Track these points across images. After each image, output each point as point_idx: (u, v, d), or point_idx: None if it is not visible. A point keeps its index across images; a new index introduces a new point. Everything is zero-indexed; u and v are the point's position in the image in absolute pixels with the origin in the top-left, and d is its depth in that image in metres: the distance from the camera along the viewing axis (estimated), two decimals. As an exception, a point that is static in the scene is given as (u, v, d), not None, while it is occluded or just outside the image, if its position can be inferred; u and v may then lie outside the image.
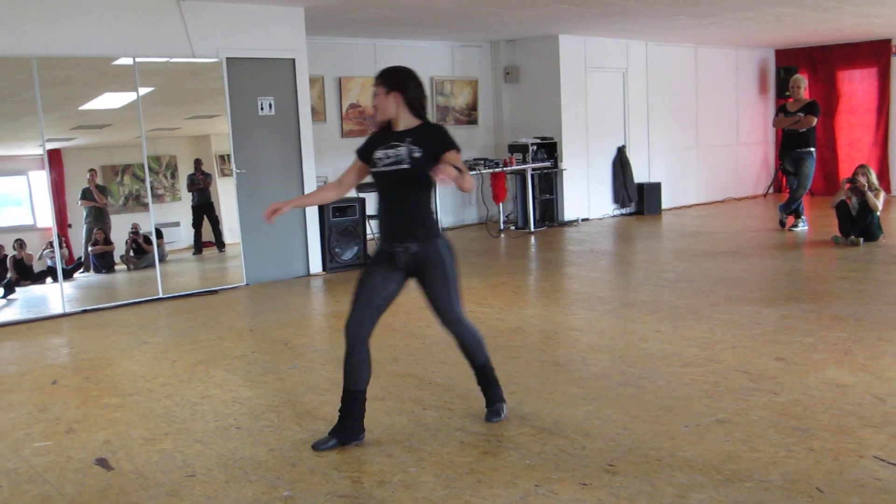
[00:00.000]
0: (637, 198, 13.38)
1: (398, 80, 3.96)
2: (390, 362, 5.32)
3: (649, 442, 3.73)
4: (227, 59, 8.48)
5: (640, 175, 13.53)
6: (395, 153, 3.84)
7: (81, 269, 9.57)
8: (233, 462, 3.77)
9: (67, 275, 8.69)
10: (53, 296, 8.47)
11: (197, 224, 10.19)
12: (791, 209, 10.61)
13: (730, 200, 14.99)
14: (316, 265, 9.23)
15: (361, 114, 11.81)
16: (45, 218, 9.84)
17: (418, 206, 3.94)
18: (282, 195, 8.97)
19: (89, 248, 9.74)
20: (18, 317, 7.73)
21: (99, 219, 10.03)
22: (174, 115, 9.37)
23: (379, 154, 3.90)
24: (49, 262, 9.96)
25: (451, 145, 3.87)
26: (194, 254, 10.19)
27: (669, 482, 3.29)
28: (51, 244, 10.10)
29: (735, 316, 6.08)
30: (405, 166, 3.82)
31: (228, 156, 9.69)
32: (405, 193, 3.92)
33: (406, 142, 3.84)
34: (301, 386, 4.93)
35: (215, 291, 8.46)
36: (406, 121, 3.94)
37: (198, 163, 10.06)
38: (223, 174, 10.13)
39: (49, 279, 9.85)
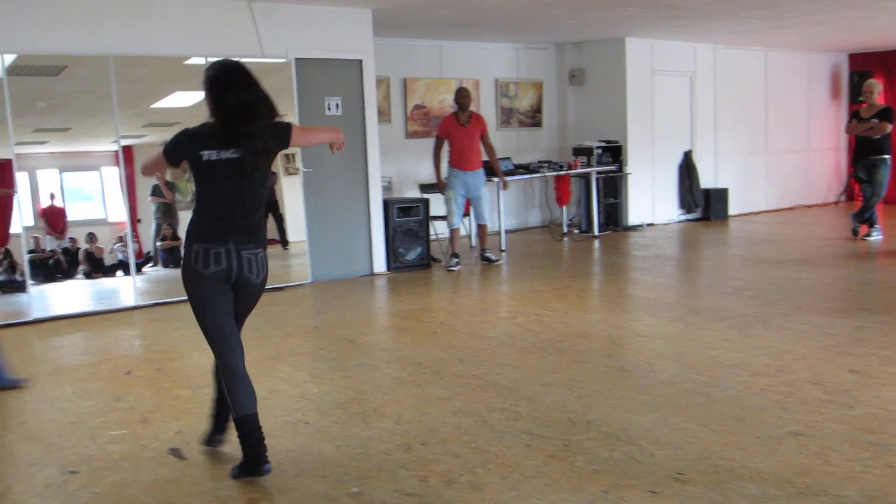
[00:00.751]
0: (703, 203, 13.18)
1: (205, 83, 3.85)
2: (455, 363, 5.33)
3: (720, 452, 3.67)
4: (296, 59, 8.58)
5: (706, 180, 13.33)
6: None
7: (150, 264, 9.78)
8: (301, 457, 3.83)
9: (137, 269, 8.88)
10: (125, 289, 8.65)
11: (263, 221, 10.32)
12: (864, 218, 10.35)
13: (799, 208, 14.68)
14: (380, 265, 9.28)
15: (426, 115, 11.85)
16: (117, 213, 10.08)
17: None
18: (347, 194, 9.08)
19: (158, 244, 9.95)
20: (92, 308, 7.92)
21: (167, 215, 10.25)
22: (242, 114, 9.52)
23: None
24: (120, 256, 10.19)
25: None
26: (259, 251, 10.31)
27: (741, 493, 3.24)
28: (121, 238, 10.34)
29: (806, 326, 5.96)
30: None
31: (293, 155, 9.79)
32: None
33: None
34: (366, 384, 4.97)
35: (281, 288, 8.56)
36: None
37: (264, 162, 10.19)
38: (288, 173, 10.24)
39: (120, 272, 10.10)
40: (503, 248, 10.67)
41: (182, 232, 10.37)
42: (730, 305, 6.74)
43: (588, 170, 11.53)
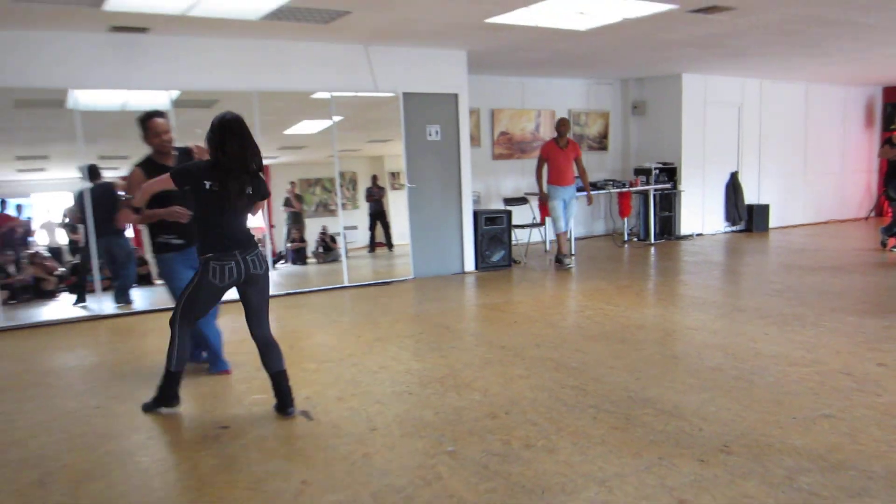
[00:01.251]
0: (747, 217, 12.85)
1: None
2: (533, 348, 5.35)
3: (760, 429, 3.61)
4: (404, 93, 8.69)
5: (750, 197, 12.99)
6: None
7: (282, 261, 10.06)
8: (406, 420, 3.90)
9: (272, 265, 9.13)
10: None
11: (372, 227, 10.52)
12: (893, 231, 9.95)
13: (833, 222, 14.17)
14: (469, 264, 9.35)
15: (509, 140, 11.87)
16: (255, 219, 10.39)
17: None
18: (443, 206, 9.16)
19: (287, 244, 10.22)
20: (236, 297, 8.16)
21: (296, 221, 10.52)
22: (357, 139, 9.68)
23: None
24: (259, 254, 10.52)
25: None
26: (369, 252, 10.52)
27: (779, 465, 3.19)
28: (260, 240, 10.68)
29: (838, 325, 5.77)
30: None
31: (399, 173, 9.95)
32: None
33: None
34: (459, 363, 5.03)
35: (388, 283, 8.72)
36: None
37: (374, 178, 10.38)
38: (393, 188, 10.41)
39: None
40: (573, 252, 10.62)
41: (308, 235, 10.67)
42: (770, 305, 6.58)
43: (647, 187, 11.39)
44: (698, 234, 12.42)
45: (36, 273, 8.64)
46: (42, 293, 8.53)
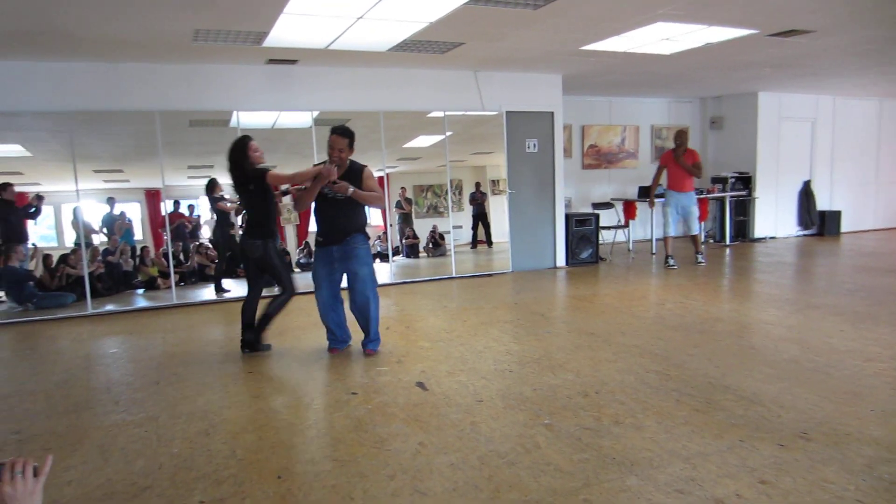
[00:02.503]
0: (819, 222, 12.07)
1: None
2: (619, 335, 5.19)
3: (838, 419, 3.34)
4: (507, 111, 8.63)
5: (822, 203, 12.18)
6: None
7: (398, 255, 10.18)
8: (508, 395, 3.85)
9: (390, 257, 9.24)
10: (382, 272, 9.07)
11: (474, 228, 10.52)
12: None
13: (903, 227, 13.14)
14: (561, 260, 9.18)
15: (598, 152, 11.60)
16: (376, 219, 10.56)
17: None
18: (539, 209, 9.03)
19: (402, 241, 10.33)
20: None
21: (407, 221, 10.62)
22: (463, 151, 9.70)
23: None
24: (379, 248, 10.67)
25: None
26: (471, 248, 10.52)
27: (858, 454, 2.94)
28: (379, 237, 10.84)
29: (912, 323, 5.32)
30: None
31: (498, 180, 9.90)
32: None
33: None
34: (553, 346, 4.93)
35: (490, 275, 8.67)
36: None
37: (477, 185, 10.37)
38: (493, 193, 10.37)
39: (378, 260, 10.59)
40: (654, 251, 10.26)
41: (420, 233, 10.75)
42: (843, 303, 6.13)
43: (723, 194, 10.85)
44: (771, 238, 11.75)
45: (200, 261, 9.09)
46: (205, 277, 8.98)
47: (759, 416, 3.42)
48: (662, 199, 9.06)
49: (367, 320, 4.78)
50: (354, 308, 4.77)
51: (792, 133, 11.74)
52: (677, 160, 8.61)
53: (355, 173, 4.62)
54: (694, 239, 9.01)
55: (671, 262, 8.80)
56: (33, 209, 7.42)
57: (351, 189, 4.50)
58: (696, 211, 8.84)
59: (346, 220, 4.63)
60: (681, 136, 8.66)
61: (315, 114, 7.67)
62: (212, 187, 8.01)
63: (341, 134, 4.57)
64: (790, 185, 11.92)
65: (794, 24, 6.36)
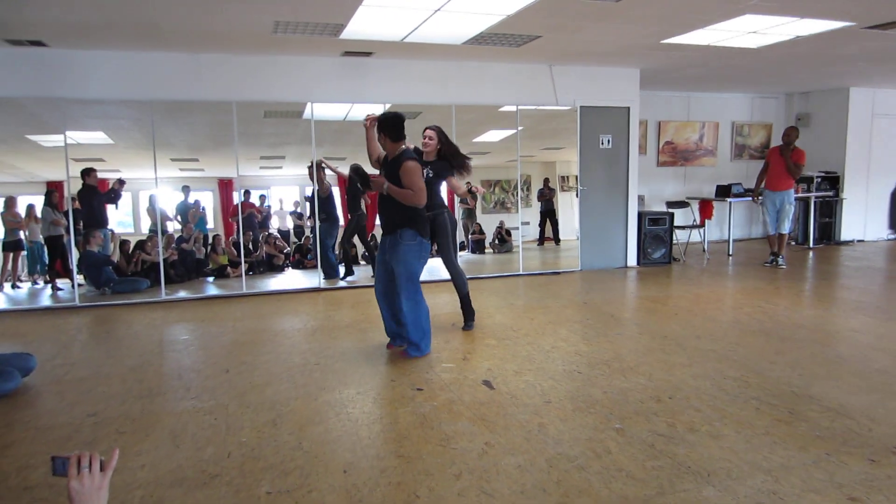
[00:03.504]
0: (913, 226, 11.42)
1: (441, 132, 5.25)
2: (693, 339, 5.03)
3: (936, 436, 3.15)
4: (581, 106, 8.50)
5: (917, 207, 11.53)
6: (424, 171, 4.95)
7: (464, 250, 10.16)
8: (577, 397, 3.78)
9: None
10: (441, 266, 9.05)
11: (542, 224, 10.38)
12: None
13: None
14: (632, 260, 8.99)
15: (674, 149, 11.28)
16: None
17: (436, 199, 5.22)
18: (611, 206, 8.86)
19: (470, 236, 10.29)
20: (427, 278, 8.33)
21: (470, 216, 10.57)
22: (532, 146, 9.58)
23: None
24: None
25: (449, 174, 5.30)
26: (538, 245, 10.39)
27: (959, 473, 2.76)
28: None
29: None
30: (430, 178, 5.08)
31: (567, 176, 9.73)
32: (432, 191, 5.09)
33: (428, 167, 5.14)
34: (624, 348, 4.82)
35: (558, 273, 8.56)
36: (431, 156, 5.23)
37: (546, 181, 10.24)
38: (562, 189, 10.21)
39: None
40: (730, 253, 9.92)
41: (486, 229, 10.71)
42: (941, 313, 5.77)
43: (808, 194, 10.39)
44: (859, 241, 11.18)
45: (269, 251, 9.32)
46: (273, 267, 9.21)
47: (848, 429, 3.24)
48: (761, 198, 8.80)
49: (403, 323, 4.70)
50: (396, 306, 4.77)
51: (885, 131, 11.12)
52: (782, 155, 8.35)
53: (398, 164, 4.55)
54: (779, 238, 8.65)
55: (770, 259, 8.59)
56: (114, 194, 7.76)
57: (385, 185, 4.51)
58: (790, 209, 8.53)
59: (394, 210, 4.59)
60: (790, 133, 8.38)
61: (387, 106, 7.73)
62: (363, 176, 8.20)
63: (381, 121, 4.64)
64: (881, 186, 11.31)
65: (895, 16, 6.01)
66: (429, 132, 5.23)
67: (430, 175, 5.13)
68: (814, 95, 11.39)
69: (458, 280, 5.42)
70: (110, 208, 7.85)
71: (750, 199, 10.03)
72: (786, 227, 8.57)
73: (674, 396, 3.75)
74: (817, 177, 10.70)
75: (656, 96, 10.86)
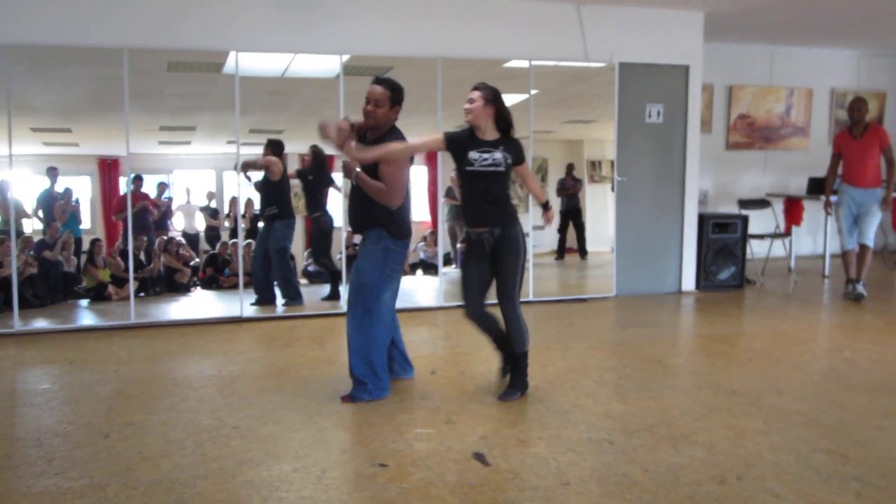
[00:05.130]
0: None
1: (496, 97, 4.85)
2: (773, 395, 5.09)
3: None
4: (620, 63, 8.58)
5: None
6: (491, 157, 4.80)
7: (452, 265, 10.17)
8: (607, 477, 3.80)
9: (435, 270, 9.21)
10: (426, 288, 9.05)
11: (563, 229, 10.38)
12: None
13: None
14: (689, 282, 9.10)
15: (750, 125, 11.44)
16: (421, 212, 10.52)
17: (504, 197, 4.97)
18: (659, 206, 8.95)
19: (459, 245, 10.29)
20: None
21: (458, 218, 10.60)
22: (552, 118, 9.63)
23: (474, 155, 4.81)
24: (422, 255, 10.66)
25: (524, 159, 5.05)
26: (557, 258, 10.44)
27: None
28: (425, 238, 10.82)
29: None
30: (501, 169, 4.83)
31: (600, 162, 9.79)
32: (498, 188, 4.89)
33: (499, 149, 4.83)
34: (676, 408, 4.86)
35: (583, 300, 8.63)
36: (492, 132, 4.88)
37: (570, 168, 10.27)
38: (592, 180, 10.26)
39: (419, 271, 10.57)
40: (826, 273, 10.06)
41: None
42: None
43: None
44: None
45: (169, 263, 9.28)
46: (176, 287, 9.19)
47: None
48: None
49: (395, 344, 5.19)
50: None
51: None
52: (856, 140, 8.44)
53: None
54: (862, 253, 8.62)
55: (856, 288, 8.53)
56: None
57: (355, 172, 4.72)
58: (877, 213, 8.53)
59: (361, 205, 4.87)
60: (857, 107, 8.44)
61: (345, 59, 7.78)
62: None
63: (379, 82, 4.85)
64: None
65: None
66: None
67: (509, 162, 4.90)
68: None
69: (515, 331, 5.24)
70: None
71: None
72: (870, 237, 8.56)
73: (743, 477, 3.80)
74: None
75: (727, 50, 11.01)
